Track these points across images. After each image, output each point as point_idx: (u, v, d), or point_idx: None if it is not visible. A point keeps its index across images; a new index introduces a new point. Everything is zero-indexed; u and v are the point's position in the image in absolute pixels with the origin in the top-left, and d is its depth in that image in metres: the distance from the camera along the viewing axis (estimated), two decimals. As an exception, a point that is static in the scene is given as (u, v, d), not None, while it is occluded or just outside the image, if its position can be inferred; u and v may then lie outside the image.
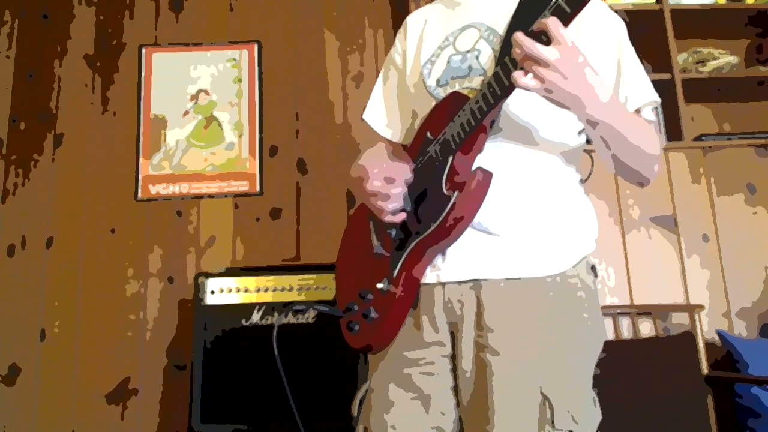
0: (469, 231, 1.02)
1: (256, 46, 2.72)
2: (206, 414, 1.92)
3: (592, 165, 1.28)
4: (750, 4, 2.57)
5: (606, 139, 0.99)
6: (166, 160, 2.59)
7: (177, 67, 2.68)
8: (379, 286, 1.08)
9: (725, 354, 2.17)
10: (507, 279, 1.03)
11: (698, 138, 2.45)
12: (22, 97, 2.64)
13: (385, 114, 1.29)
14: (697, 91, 2.49)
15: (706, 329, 2.21)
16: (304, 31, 2.75)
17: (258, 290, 2.03)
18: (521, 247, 1.04)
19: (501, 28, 1.08)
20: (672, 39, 2.45)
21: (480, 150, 1.02)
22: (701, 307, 2.19)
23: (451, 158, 1.02)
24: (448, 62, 1.13)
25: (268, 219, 2.55)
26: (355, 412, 1.07)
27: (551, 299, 1.03)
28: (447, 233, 1.01)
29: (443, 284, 1.06)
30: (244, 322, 2.00)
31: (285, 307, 1.98)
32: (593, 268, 1.11)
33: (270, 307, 2.01)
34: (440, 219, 1.00)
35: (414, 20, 1.28)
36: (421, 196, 1.06)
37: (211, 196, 2.56)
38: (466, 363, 1.03)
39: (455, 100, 1.05)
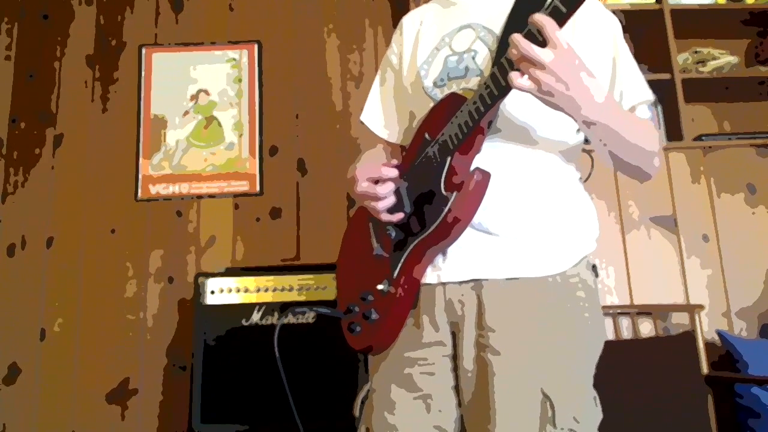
0: (469, 231, 1.02)
1: (256, 46, 2.72)
2: (206, 414, 1.92)
3: (592, 165, 1.28)
4: (750, 4, 2.57)
5: (603, 139, 0.99)
6: (166, 160, 2.59)
7: (177, 67, 2.68)
8: (380, 287, 1.08)
9: (725, 354, 2.18)
10: (508, 279, 1.03)
11: (698, 138, 2.45)
12: (22, 97, 2.64)
13: (382, 115, 1.29)
14: (697, 91, 2.49)
15: (706, 329, 2.21)
16: (304, 31, 2.76)
17: (258, 290, 2.03)
18: (522, 246, 1.04)
19: (497, 28, 1.09)
20: (672, 39, 2.45)
21: (478, 150, 1.02)
22: (701, 307, 2.19)
23: (449, 159, 1.02)
24: (445, 63, 1.14)
25: (268, 219, 2.55)
26: (356, 413, 1.07)
27: (552, 299, 1.03)
28: (446, 234, 1.01)
29: (444, 284, 1.07)
30: (244, 322, 2.00)
31: (286, 307, 1.98)
32: (593, 267, 1.11)
33: (270, 307, 2.01)
34: (439, 220, 1.00)
35: (410, 20, 1.28)
36: (420, 197, 1.06)
37: (211, 196, 2.56)
38: (468, 363, 1.03)
39: (453, 101, 1.05)
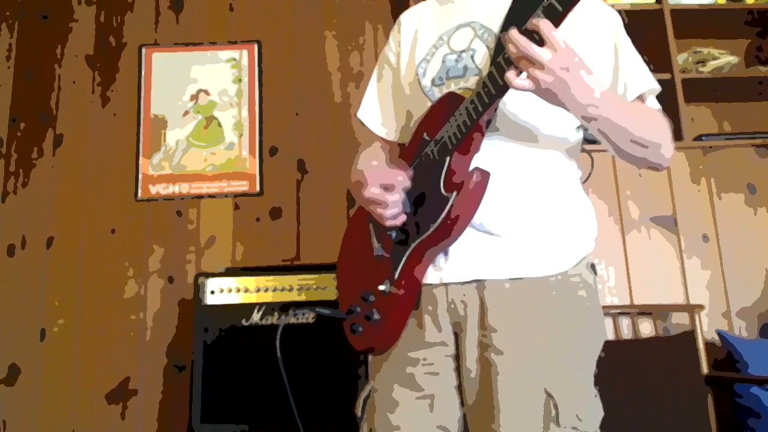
0: (471, 232, 1.03)
1: (256, 46, 2.72)
2: (206, 414, 1.92)
3: (592, 165, 1.28)
4: (750, 4, 2.57)
5: (605, 133, 0.99)
6: (166, 160, 2.59)
7: (177, 67, 2.68)
8: (381, 287, 1.08)
9: (725, 354, 2.17)
10: (510, 279, 1.03)
11: (698, 138, 2.45)
12: (22, 97, 2.64)
13: (379, 112, 1.28)
14: (697, 91, 2.49)
15: (706, 329, 2.21)
16: (304, 31, 2.75)
17: (258, 290, 2.03)
18: (523, 247, 1.04)
19: (496, 26, 1.08)
20: (672, 39, 2.45)
21: (477, 150, 1.02)
22: (701, 307, 2.19)
23: (448, 159, 1.02)
24: (443, 62, 1.13)
25: (268, 219, 2.55)
26: (359, 413, 1.07)
27: (554, 298, 1.03)
28: (446, 234, 1.01)
29: (446, 285, 1.07)
30: (244, 322, 2.00)
31: (286, 308, 1.98)
32: (593, 266, 1.11)
33: (270, 307, 2.01)
34: (439, 220, 1.00)
35: (408, 18, 1.27)
36: (420, 197, 1.06)
37: (211, 196, 2.56)
38: (471, 363, 1.03)
39: (451, 100, 1.05)
